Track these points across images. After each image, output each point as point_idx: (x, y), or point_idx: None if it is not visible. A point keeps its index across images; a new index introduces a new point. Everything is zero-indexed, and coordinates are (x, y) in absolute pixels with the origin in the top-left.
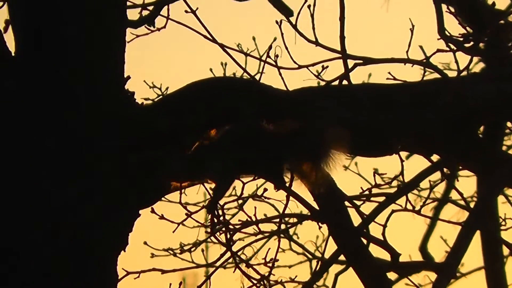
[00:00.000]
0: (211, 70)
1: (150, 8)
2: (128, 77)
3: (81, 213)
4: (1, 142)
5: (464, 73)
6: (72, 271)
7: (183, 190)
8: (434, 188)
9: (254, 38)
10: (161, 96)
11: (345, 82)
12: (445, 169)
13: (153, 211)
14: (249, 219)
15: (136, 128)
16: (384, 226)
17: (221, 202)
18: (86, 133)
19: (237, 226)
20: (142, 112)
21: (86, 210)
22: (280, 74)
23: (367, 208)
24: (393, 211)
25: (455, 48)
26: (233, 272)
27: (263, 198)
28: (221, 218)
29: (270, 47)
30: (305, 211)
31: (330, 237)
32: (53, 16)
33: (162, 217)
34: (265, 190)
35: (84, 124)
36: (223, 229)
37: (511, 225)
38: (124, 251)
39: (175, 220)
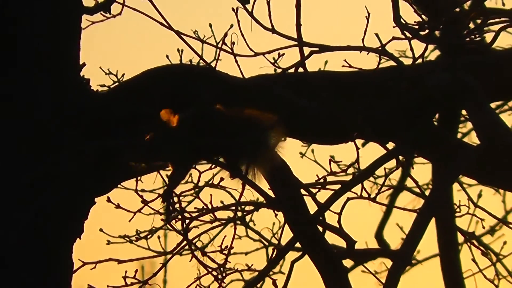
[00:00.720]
0: (167, 57)
1: None
2: (84, 64)
3: (37, 200)
4: None
5: (420, 61)
6: (26, 258)
7: (139, 178)
8: (390, 176)
9: (210, 25)
10: (117, 83)
11: (301, 69)
12: (400, 157)
13: (109, 200)
14: (205, 207)
15: (92, 116)
16: (340, 214)
17: (178, 190)
18: (42, 120)
19: (194, 214)
20: (98, 99)
21: (41, 197)
22: (236, 61)
23: (323, 195)
24: (348, 199)
25: (410, 36)
26: (189, 261)
27: (219, 186)
28: (177, 205)
29: (225, 35)
30: (262, 199)
31: (286, 225)
32: (11, 3)
33: (118, 206)
34: (222, 179)
35: (40, 111)
36: (179, 217)
37: (465, 212)
38: (80, 238)
39: (131, 207)
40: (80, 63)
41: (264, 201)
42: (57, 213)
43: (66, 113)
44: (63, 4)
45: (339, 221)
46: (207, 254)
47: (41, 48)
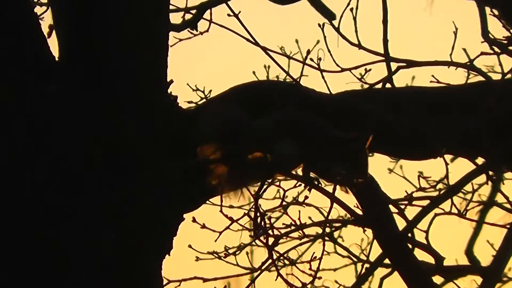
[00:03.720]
0: (254, 73)
1: (193, 11)
2: (171, 81)
3: (125, 217)
4: (46, 146)
5: (509, 75)
6: (117, 275)
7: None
8: (480, 191)
9: (297, 41)
10: (204, 100)
11: (388, 85)
12: (490, 172)
13: (194, 220)
14: (293, 223)
15: (180, 132)
16: (427, 230)
17: (265, 207)
18: (129, 138)
19: (282, 231)
20: (185, 116)
21: (129, 214)
22: (323, 77)
23: (412, 212)
24: (436, 215)
25: (499, 51)
26: (275, 279)
27: (305, 204)
28: (264, 222)
29: (310, 50)
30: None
31: (375, 241)
32: (98, 22)
33: (203, 226)
34: (306, 197)
35: (126, 129)
36: (266, 234)
37: None
38: (169, 255)
39: (219, 224)
40: (168, 80)
41: (352, 218)
42: (146, 230)
43: (155, 130)
44: (151, 22)
45: (426, 237)
46: (293, 272)
47: (129, 66)
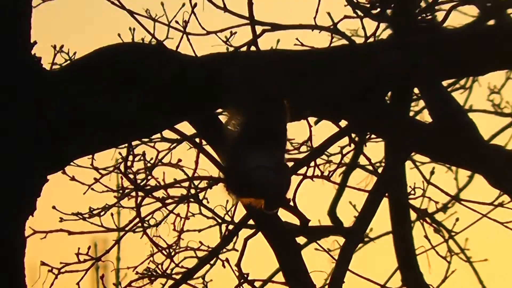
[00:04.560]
0: (119, 35)
1: None
2: (35, 42)
3: None
4: None
5: (371, 39)
6: None
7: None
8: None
9: (162, 4)
10: (68, 62)
11: (253, 48)
12: (353, 135)
13: (64, 172)
14: (158, 184)
15: (43, 95)
16: (295, 192)
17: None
18: None
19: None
20: (49, 78)
21: None
22: (189, 39)
23: None
24: (304, 177)
25: (362, 15)
26: (140, 238)
27: (172, 164)
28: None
29: (176, 13)
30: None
31: (239, 202)
32: None
33: (73, 179)
34: (179, 160)
35: None
36: (132, 194)
37: (420, 194)
38: (32, 216)
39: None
40: (31, 41)
41: (219, 177)
42: (8, 190)
43: (18, 92)
44: None
45: (293, 199)
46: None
47: None
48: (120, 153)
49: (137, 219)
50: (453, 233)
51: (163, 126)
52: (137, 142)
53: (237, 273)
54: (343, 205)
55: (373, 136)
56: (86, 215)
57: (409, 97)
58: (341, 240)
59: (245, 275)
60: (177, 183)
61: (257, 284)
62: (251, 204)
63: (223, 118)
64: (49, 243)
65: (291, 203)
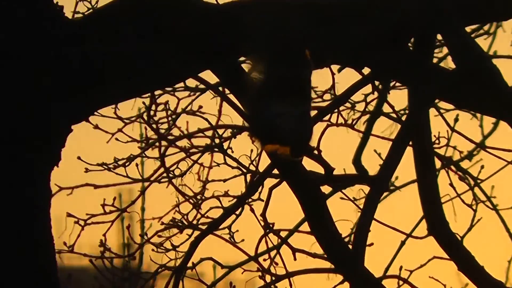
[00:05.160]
0: None
1: None
2: None
3: (9, 129)
4: None
5: None
6: (2, 187)
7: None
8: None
9: None
10: (91, 10)
11: None
12: (376, 82)
13: (88, 120)
14: (181, 134)
15: (66, 44)
16: (319, 140)
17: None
18: (12, 49)
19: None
20: (72, 28)
21: (13, 126)
22: None
23: None
24: (328, 125)
25: None
26: (166, 187)
27: (197, 112)
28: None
29: None
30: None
31: (263, 152)
32: None
33: (96, 127)
34: (200, 106)
35: (9, 40)
36: (156, 144)
37: (445, 143)
38: (57, 166)
39: (108, 134)
40: None
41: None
42: (33, 140)
43: (41, 41)
44: None
45: (318, 148)
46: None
47: None
48: (144, 103)
49: (162, 169)
50: (478, 181)
51: (186, 75)
52: (160, 92)
53: (262, 223)
54: (368, 153)
55: (396, 83)
56: (111, 166)
57: (432, 43)
58: (367, 189)
59: (271, 225)
60: (201, 132)
61: (282, 234)
62: (276, 152)
63: (246, 67)
64: (75, 196)
65: (316, 152)
